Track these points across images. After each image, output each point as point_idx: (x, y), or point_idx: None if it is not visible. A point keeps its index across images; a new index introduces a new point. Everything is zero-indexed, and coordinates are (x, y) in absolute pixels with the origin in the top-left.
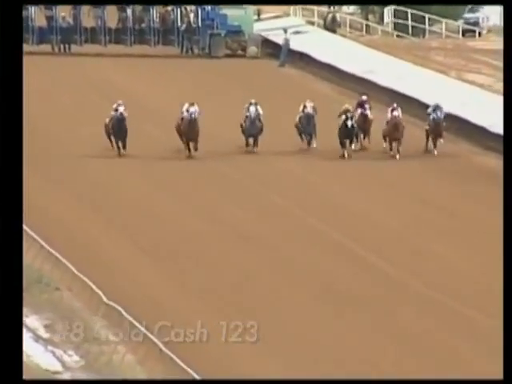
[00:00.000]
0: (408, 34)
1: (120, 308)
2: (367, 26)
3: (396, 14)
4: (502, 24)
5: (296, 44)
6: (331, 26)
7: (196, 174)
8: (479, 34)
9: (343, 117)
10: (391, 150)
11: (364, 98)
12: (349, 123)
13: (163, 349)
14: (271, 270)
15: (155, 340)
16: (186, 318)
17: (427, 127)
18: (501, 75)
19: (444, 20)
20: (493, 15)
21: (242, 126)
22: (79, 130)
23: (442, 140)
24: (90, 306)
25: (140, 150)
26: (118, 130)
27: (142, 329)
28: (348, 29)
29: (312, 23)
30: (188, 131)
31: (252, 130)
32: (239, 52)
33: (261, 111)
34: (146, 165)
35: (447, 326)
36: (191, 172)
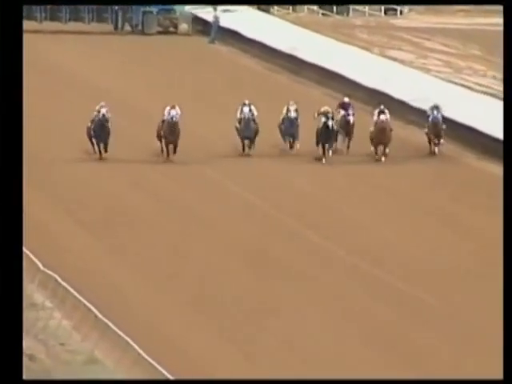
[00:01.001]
0: (332, 12)
1: (56, 275)
2: None
3: None
4: None
5: (226, 22)
6: (265, 7)
7: (176, 176)
8: (400, 12)
9: (322, 118)
10: (376, 153)
11: (346, 99)
12: (329, 123)
13: (98, 315)
14: (252, 270)
15: (90, 306)
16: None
17: (426, 129)
18: (421, 51)
19: None
20: None
21: (236, 128)
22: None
23: (442, 140)
24: (26, 274)
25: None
26: (99, 132)
27: (77, 295)
28: (275, 7)
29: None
30: (168, 134)
31: (247, 131)
32: (171, 29)
33: (255, 112)
34: (125, 167)
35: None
36: (171, 174)
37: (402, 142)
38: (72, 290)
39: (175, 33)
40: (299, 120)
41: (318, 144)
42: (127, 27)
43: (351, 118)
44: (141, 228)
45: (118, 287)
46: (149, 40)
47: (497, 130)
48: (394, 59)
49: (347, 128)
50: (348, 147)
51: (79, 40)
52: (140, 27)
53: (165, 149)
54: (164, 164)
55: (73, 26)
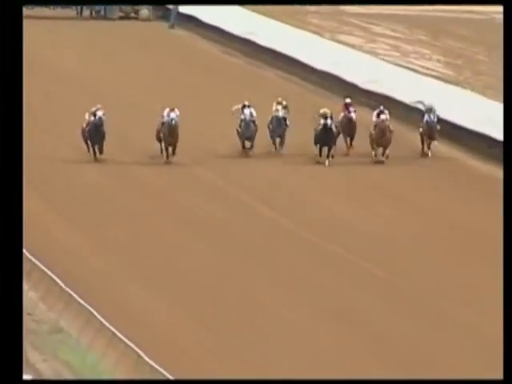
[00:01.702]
0: None
1: (23, 250)
2: None
3: None
4: None
5: (185, 8)
6: None
7: (173, 177)
8: None
9: (321, 120)
10: (376, 155)
11: (348, 100)
12: (328, 122)
13: (63, 286)
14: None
15: (55, 278)
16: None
17: (421, 130)
18: (370, 36)
19: None
20: None
21: (237, 130)
22: None
23: (435, 142)
24: None
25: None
26: (94, 134)
27: (43, 267)
28: None
29: None
30: (168, 136)
31: (247, 133)
32: (132, 15)
33: (254, 113)
34: (123, 169)
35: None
36: (169, 176)
37: (398, 142)
38: (38, 263)
39: (136, 18)
40: (286, 120)
41: (316, 145)
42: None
43: (353, 117)
44: (131, 221)
45: (83, 260)
46: (111, 25)
47: (441, 110)
48: (345, 43)
49: (350, 128)
50: (350, 146)
51: (43, 25)
52: (102, 13)
53: (164, 151)
54: (158, 162)
55: (38, 11)
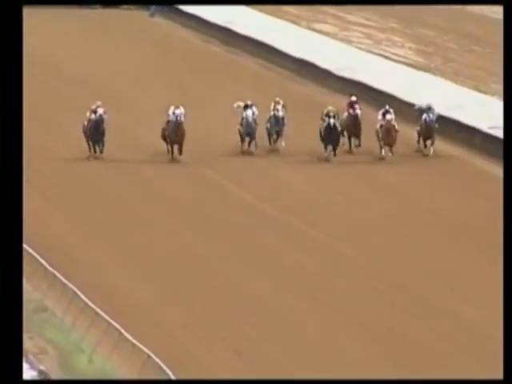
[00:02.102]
0: None
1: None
2: None
3: None
4: None
5: None
6: None
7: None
8: None
9: (326, 118)
10: (384, 153)
11: (353, 98)
12: (332, 123)
13: (47, 267)
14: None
15: (40, 259)
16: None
17: (418, 128)
18: (344, 24)
19: None
20: None
21: (239, 129)
22: None
23: (433, 141)
24: None
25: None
26: (94, 132)
27: (28, 249)
28: None
29: None
30: (173, 134)
31: (249, 128)
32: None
33: (257, 112)
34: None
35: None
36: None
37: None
38: (25, 246)
39: (118, 7)
40: (284, 119)
41: (323, 144)
42: None
43: (359, 115)
44: (118, 208)
45: (68, 243)
46: (92, 13)
47: (412, 96)
48: (320, 32)
49: (355, 126)
50: (359, 145)
51: (26, 13)
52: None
53: (170, 149)
54: (159, 160)
55: None
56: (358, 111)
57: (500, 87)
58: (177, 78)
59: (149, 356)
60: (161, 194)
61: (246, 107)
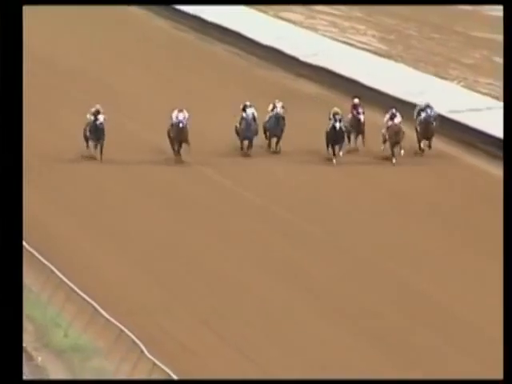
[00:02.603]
0: None
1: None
2: None
3: None
4: None
5: None
6: None
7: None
8: None
9: (332, 121)
10: (393, 154)
11: (356, 100)
12: (337, 125)
13: (25, 245)
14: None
15: (28, 247)
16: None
17: (417, 127)
18: (310, 13)
19: None
20: None
21: (236, 128)
22: None
23: (431, 141)
24: None
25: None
26: (95, 134)
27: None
28: None
29: None
30: (177, 137)
31: (248, 132)
32: None
33: (256, 114)
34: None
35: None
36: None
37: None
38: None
39: None
40: (284, 119)
41: (327, 145)
42: None
43: (362, 117)
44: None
45: (45, 222)
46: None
47: (375, 82)
48: (287, 20)
49: (359, 127)
50: (363, 145)
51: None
52: None
53: (175, 150)
54: (158, 160)
55: None
56: (362, 115)
57: (458, 72)
58: (150, 64)
59: (121, 331)
60: (162, 193)
61: (245, 108)
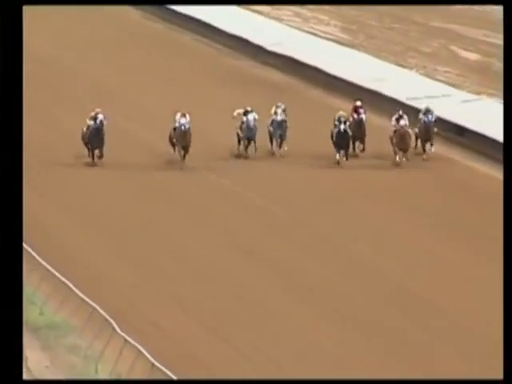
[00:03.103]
0: None
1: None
2: None
3: None
4: None
5: None
6: None
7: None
8: None
9: (337, 124)
10: (398, 158)
11: (358, 103)
12: (342, 127)
13: (28, 249)
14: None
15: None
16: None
17: (417, 130)
18: (275, 3)
19: None
20: None
21: (238, 133)
22: None
23: (432, 144)
24: None
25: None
26: (94, 138)
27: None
28: None
29: None
30: (180, 141)
31: (249, 133)
32: None
33: (257, 118)
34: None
35: None
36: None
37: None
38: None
39: None
40: (286, 122)
41: (335, 148)
42: None
43: (363, 120)
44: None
45: (33, 215)
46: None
47: (338, 70)
48: (253, 10)
49: (360, 130)
50: (363, 149)
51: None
52: None
53: (179, 153)
54: (156, 163)
55: None
56: (363, 116)
57: (417, 61)
58: (120, 52)
59: (94, 309)
60: (161, 194)
61: (246, 113)
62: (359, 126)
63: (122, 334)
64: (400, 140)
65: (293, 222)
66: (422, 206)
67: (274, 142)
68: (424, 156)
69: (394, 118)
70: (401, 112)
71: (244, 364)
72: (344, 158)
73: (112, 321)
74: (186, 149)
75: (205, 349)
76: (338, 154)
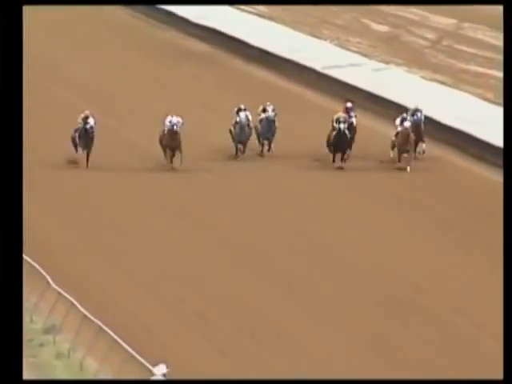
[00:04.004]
0: None
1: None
2: None
3: None
4: None
5: None
6: None
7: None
8: None
9: (335, 124)
10: (399, 161)
11: (349, 104)
12: (341, 127)
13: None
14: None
15: None
16: None
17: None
18: None
19: None
20: None
21: (231, 132)
22: None
23: (423, 144)
24: None
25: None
26: (84, 140)
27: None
28: None
29: None
30: (170, 142)
31: (242, 136)
32: None
33: (250, 117)
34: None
35: None
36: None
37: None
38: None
39: None
40: (275, 122)
41: (331, 150)
42: None
43: (354, 121)
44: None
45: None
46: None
47: (258, 40)
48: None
49: (351, 131)
50: (350, 149)
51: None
52: None
53: (168, 156)
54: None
55: None
56: (353, 119)
57: (331, 32)
58: (102, 46)
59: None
60: (156, 197)
61: (239, 111)
62: (349, 128)
63: (56, 287)
64: (402, 141)
65: (293, 223)
66: (421, 207)
67: (263, 143)
68: (417, 155)
69: (398, 121)
70: (404, 115)
71: (169, 315)
72: (344, 161)
73: (46, 274)
74: (173, 150)
75: (134, 301)
76: (333, 156)
